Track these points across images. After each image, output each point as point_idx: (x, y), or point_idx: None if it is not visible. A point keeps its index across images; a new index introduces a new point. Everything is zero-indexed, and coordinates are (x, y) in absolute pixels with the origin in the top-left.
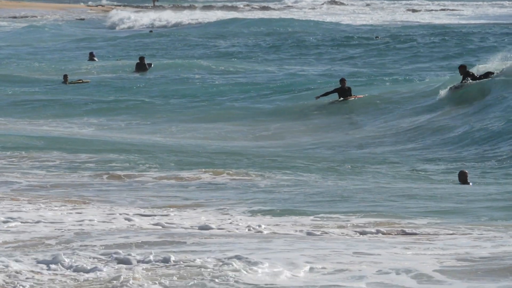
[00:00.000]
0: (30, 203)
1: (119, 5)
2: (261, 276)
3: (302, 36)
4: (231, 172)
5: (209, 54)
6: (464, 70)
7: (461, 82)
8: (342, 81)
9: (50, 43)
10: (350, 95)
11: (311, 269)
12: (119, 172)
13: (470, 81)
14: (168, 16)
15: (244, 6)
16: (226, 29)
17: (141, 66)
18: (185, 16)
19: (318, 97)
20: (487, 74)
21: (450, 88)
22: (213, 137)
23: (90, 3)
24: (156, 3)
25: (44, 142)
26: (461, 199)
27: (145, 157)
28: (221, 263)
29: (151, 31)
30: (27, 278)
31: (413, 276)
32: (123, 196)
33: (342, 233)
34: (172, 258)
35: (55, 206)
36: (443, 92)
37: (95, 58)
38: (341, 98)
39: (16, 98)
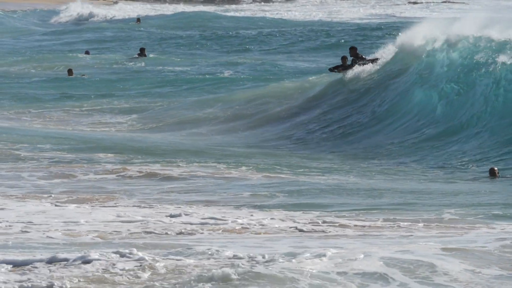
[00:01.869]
0: (37, 200)
1: None
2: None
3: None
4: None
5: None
6: (354, 52)
7: (351, 63)
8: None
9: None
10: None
11: (323, 259)
12: (138, 168)
13: (360, 62)
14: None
15: None
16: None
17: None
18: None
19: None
20: (376, 59)
21: (338, 69)
22: (218, 131)
23: None
24: None
25: (57, 140)
26: (490, 193)
27: (161, 153)
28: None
29: (138, 19)
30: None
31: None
32: (147, 192)
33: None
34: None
35: (66, 204)
36: (331, 73)
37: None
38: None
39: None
